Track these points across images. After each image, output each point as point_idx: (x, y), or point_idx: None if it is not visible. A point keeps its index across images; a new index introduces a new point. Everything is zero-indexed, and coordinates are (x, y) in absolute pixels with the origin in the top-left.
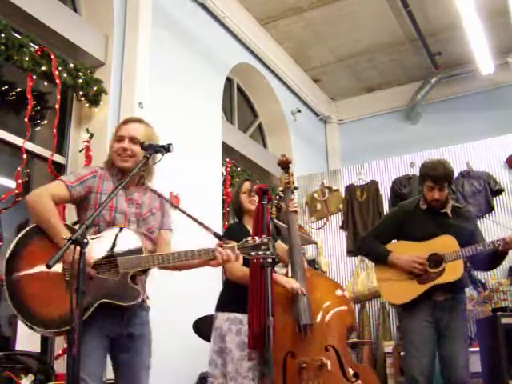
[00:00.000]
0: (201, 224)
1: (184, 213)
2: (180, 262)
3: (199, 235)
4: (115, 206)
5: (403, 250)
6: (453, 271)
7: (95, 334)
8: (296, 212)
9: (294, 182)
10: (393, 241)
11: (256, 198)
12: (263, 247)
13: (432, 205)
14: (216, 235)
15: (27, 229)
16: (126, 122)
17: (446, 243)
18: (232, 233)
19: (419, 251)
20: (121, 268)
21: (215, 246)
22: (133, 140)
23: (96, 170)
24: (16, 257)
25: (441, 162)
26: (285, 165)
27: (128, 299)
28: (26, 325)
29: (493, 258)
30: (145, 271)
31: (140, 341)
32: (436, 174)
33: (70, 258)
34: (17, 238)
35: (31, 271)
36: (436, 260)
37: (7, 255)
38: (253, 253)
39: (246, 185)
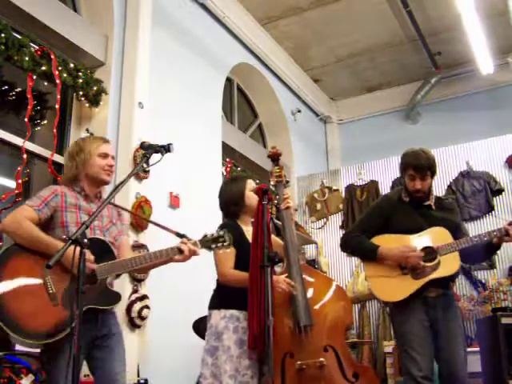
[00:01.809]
0: (162, 226)
1: (145, 219)
2: (148, 264)
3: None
4: (80, 221)
5: (391, 245)
6: (449, 264)
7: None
8: (289, 207)
9: (285, 176)
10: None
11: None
12: (221, 239)
13: (414, 195)
14: (178, 234)
15: (2, 250)
16: (106, 141)
17: (437, 236)
18: (229, 229)
19: (410, 245)
20: (98, 275)
21: (179, 243)
22: (113, 158)
23: (56, 189)
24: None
25: (422, 151)
26: (275, 157)
27: (111, 302)
28: (15, 338)
29: (483, 251)
30: (119, 275)
31: (113, 339)
32: (418, 162)
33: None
34: None
35: (14, 286)
36: (429, 253)
37: None
38: (213, 245)
39: (252, 183)
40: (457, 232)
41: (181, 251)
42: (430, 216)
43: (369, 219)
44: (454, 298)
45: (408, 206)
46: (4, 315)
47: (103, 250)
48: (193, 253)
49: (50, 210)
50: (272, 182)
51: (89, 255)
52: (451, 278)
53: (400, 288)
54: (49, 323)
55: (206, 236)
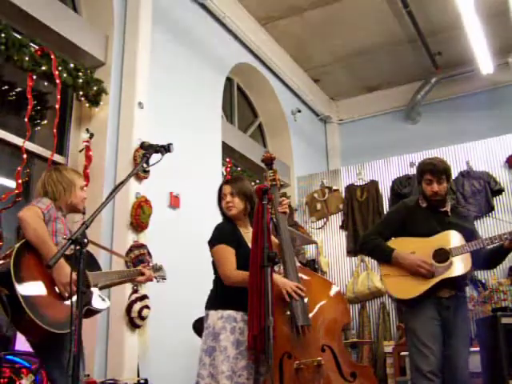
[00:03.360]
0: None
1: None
2: (126, 279)
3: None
4: (64, 233)
5: (407, 247)
6: (461, 265)
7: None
8: (285, 213)
9: (279, 179)
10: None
11: (232, 203)
12: (161, 271)
13: (432, 199)
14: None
15: (18, 245)
16: (81, 175)
17: (450, 238)
18: (223, 233)
19: (423, 247)
20: (92, 281)
21: (141, 268)
22: None
23: (51, 202)
24: (19, 268)
25: (437, 158)
26: (269, 161)
27: (102, 306)
28: (37, 324)
29: (495, 255)
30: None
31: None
32: (434, 166)
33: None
34: (13, 253)
35: (34, 281)
36: (442, 254)
37: (11, 267)
38: (157, 274)
39: (223, 189)
40: (471, 238)
41: (143, 274)
42: (446, 222)
43: (386, 223)
44: (466, 300)
45: (425, 211)
46: (31, 305)
47: (91, 260)
48: (150, 278)
49: (46, 219)
50: (267, 184)
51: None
52: (464, 280)
53: (413, 286)
54: (60, 316)
55: (155, 264)
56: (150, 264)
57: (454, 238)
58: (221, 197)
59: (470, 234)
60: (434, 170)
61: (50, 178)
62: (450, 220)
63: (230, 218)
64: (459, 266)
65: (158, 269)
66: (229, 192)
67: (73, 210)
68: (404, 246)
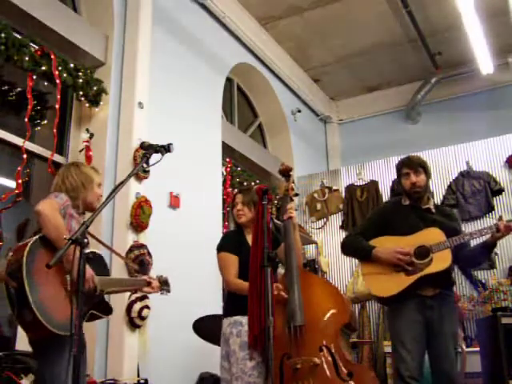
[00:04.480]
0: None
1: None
2: (132, 287)
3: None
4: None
5: (388, 245)
6: (441, 261)
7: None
8: (291, 218)
9: (293, 189)
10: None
11: (242, 211)
12: (167, 285)
13: (411, 192)
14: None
15: (34, 240)
16: (99, 172)
17: (431, 235)
18: (226, 241)
19: (404, 245)
20: (98, 286)
21: (147, 278)
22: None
23: (68, 199)
24: (30, 266)
25: (413, 155)
26: (285, 172)
27: (107, 313)
28: (42, 323)
29: (481, 252)
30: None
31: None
32: (409, 160)
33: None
34: (27, 248)
35: (46, 278)
36: (423, 252)
37: (23, 263)
38: (165, 286)
39: (236, 197)
40: (456, 235)
41: (150, 284)
42: (429, 219)
43: (368, 224)
44: (453, 299)
45: (407, 208)
46: (39, 306)
47: (100, 263)
48: (156, 290)
49: (62, 214)
50: (280, 195)
51: (89, 270)
52: (446, 276)
53: (393, 284)
54: (67, 317)
55: (161, 276)
56: (155, 275)
57: (435, 235)
58: (233, 204)
59: (453, 232)
60: (410, 162)
61: (68, 172)
62: (434, 217)
63: (240, 224)
64: (439, 262)
65: (163, 282)
66: (240, 201)
67: (88, 208)
68: (385, 245)
